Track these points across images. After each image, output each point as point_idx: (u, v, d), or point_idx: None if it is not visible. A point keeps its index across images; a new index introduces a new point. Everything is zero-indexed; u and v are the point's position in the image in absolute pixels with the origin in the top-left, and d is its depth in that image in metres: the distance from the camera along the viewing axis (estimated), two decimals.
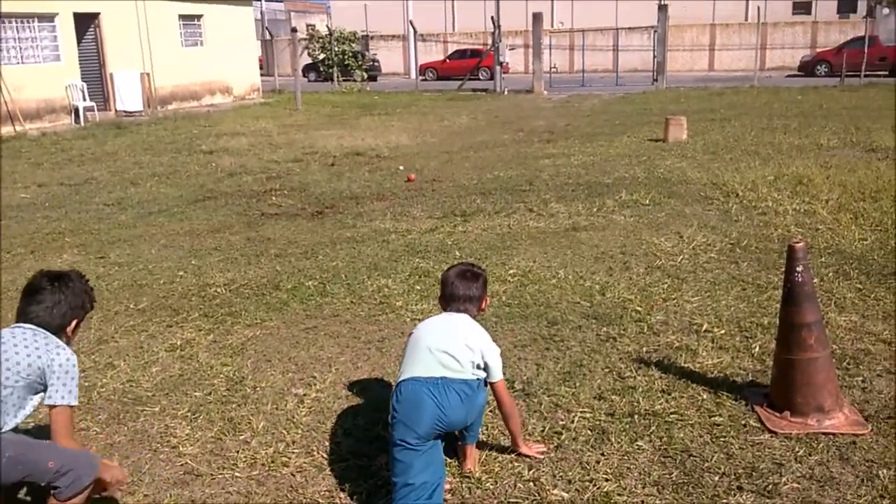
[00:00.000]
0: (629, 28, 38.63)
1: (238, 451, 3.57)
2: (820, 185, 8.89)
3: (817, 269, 5.83)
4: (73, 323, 3.03)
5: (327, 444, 3.62)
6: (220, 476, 3.39)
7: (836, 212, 7.70)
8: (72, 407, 2.88)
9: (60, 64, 20.22)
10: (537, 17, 28.79)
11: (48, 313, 2.96)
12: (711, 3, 43.37)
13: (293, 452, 3.56)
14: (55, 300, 2.97)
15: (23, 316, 2.98)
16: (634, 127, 15.75)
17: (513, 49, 39.78)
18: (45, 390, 2.86)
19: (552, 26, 42.72)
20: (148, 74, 22.04)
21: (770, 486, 3.16)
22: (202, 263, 6.81)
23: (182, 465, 3.49)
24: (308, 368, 4.47)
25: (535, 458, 3.42)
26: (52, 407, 2.84)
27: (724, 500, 3.09)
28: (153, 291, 6.04)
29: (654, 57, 28.96)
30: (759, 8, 30.22)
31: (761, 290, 5.51)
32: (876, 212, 7.61)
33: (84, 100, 20.28)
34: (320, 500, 3.19)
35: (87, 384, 4.32)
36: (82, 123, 19.68)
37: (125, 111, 21.48)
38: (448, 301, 3.42)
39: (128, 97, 21.66)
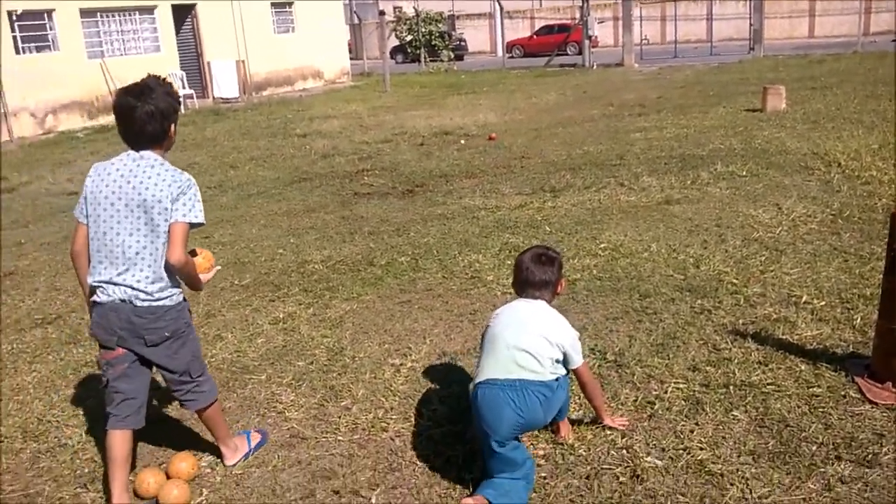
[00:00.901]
0: None
1: (340, 417, 3.75)
2: None
3: None
4: (171, 128, 3.10)
5: (424, 410, 3.75)
6: (323, 439, 3.57)
7: None
8: (191, 224, 3.02)
9: (160, 54, 21.09)
10: None
11: (149, 126, 3.01)
12: None
13: (392, 418, 3.70)
14: (149, 110, 2.99)
15: (129, 138, 3.06)
16: (730, 97, 15.29)
17: (601, 22, 39.01)
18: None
19: None
20: (243, 62, 22.74)
21: (870, 456, 3.11)
22: (300, 241, 7.06)
23: (288, 429, 3.69)
24: (404, 340, 4.62)
25: (619, 428, 3.44)
26: (174, 224, 2.98)
27: (822, 469, 3.06)
28: (255, 268, 6.32)
29: (751, 25, 27.92)
30: None
31: (864, 262, 5.34)
32: None
33: (183, 88, 21.09)
34: (418, 463, 3.32)
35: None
36: (182, 111, 20.47)
37: (222, 98, 22.25)
38: (522, 287, 3.33)
39: (224, 84, 22.43)
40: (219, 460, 3.40)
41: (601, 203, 7.62)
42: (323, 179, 10.14)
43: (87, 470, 3.44)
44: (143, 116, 3.00)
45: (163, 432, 3.71)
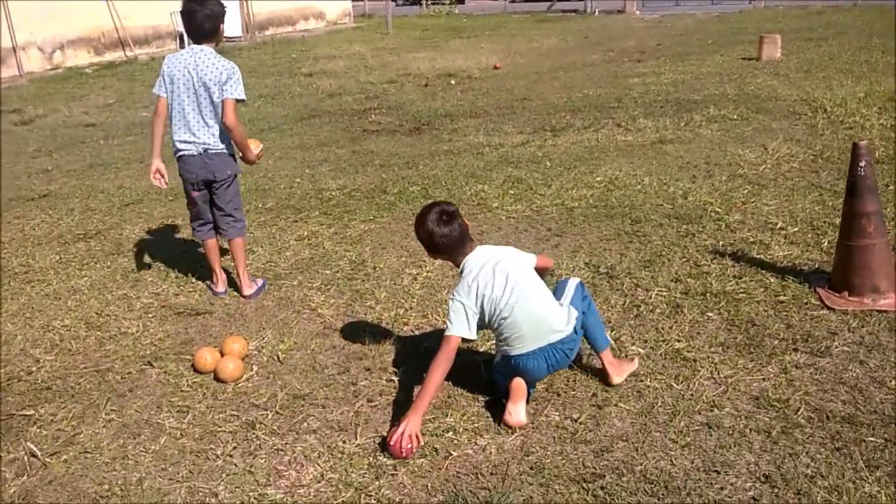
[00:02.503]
0: None
1: (366, 314, 4.28)
2: None
3: (894, 177, 6.09)
4: (221, 27, 4.25)
5: (438, 309, 4.29)
6: (353, 329, 4.10)
7: None
8: (239, 101, 4.21)
9: None
10: None
11: (207, 24, 4.16)
12: None
13: (411, 315, 4.24)
14: (206, 13, 4.15)
15: (191, 34, 4.20)
16: (728, 46, 15.60)
17: None
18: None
19: None
20: (246, 0, 22.79)
21: (823, 349, 3.65)
22: (315, 172, 7.53)
23: (321, 322, 4.22)
24: (418, 254, 5.12)
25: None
26: (226, 99, 4.16)
27: (781, 357, 3.60)
28: (276, 195, 6.80)
29: None
30: None
31: (838, 196, 5.81)
32: None
33: None
34: (434, 349, 3.83)
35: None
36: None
37: (226, 37, 22.38)
38: (442, 252, 3.35)
39: (227, 23, 22.48)
40: (264, 344, 3.93)
41: (599, 142, 8.08)
42: (332, 117, 10.55)
43: (149, 352, 3.98)
44: (202, 17, 4.16)
45: (214, 321, 4.25)
